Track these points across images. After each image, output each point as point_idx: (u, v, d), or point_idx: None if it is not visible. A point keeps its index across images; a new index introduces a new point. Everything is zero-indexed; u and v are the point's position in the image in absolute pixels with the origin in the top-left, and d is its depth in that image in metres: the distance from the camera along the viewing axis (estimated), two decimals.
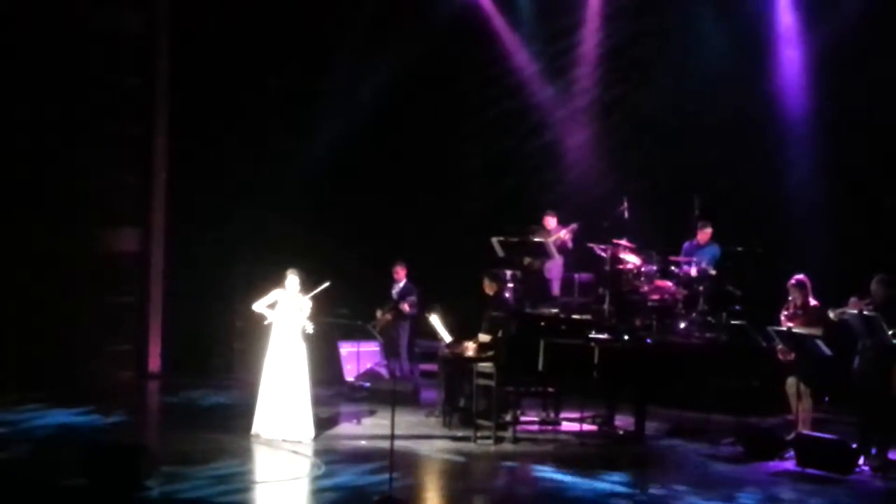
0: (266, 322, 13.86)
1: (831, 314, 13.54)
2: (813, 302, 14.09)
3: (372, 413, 15.67)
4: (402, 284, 17.07)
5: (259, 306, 13.87)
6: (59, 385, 16.61)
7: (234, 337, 19.23)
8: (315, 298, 13.85)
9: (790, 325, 13.93)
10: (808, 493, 12.01)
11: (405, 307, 16.83)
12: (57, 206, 17.81)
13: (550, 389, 15.10)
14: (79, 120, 18.02)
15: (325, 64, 19.92)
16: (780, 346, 14.02)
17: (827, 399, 14.52)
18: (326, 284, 13.85)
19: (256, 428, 13.84)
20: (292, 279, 13.84)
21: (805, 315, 14.03)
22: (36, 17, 17.62)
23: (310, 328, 13.75)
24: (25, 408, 15.43)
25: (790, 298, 14.25)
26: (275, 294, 13.86)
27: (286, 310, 13.81)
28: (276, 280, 14.01)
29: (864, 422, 13.27)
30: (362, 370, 17.83)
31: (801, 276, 14.23)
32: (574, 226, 18.48)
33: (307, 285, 13.91)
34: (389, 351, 17.26)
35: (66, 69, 17.84)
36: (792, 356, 13.91)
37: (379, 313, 17.01)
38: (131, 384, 17.99)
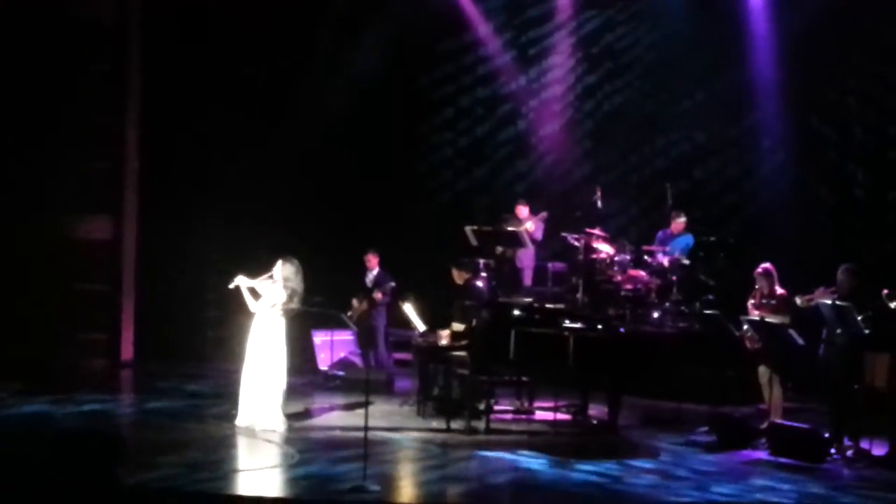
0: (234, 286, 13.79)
1: (799, 301, 13.63)
2: (779, 290, 14.15)
3: (347, 403, 15.67)
4: (374, 273, 17.04)
5: (240, 281, 13.75)
6: (30, 374, 16.51)
7: (207, 325, 19.19)
8: (287, 287, 13.73)
9: (757, 313, 13.99)
10: (780, 481, 12.06)
11: (378, 296, 16.80)
12: (28, 194, 17.75)
13: (524, 378, 15.11)
14: (50, 107, 17.93)
15: (297, 53, 19.86)
16: (747, 335, 14.08)
17: (790, 385, 14.54)
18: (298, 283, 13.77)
19: (239, 416, 13.79)
20: (278, 266, 13.71)
21: (773, 304, 14.08)
22: (6, 3, 17.52)
23: (268, 304, 13.66)
24: None
25: (757, 287, 14.31)
26: (261, 281, 13.75)
27: (268, 297, 13.73)
28: (248, 267, 13.92)
29: (835, 411, 13.34)
30: (336, 359, 17.79)
31: (767, 265, 14.29)
32: (543, 214, 18.52)
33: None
34: (365, 340, 17.22)
35: (37, 56, 17.75)
36: (758, 345, 13.97)
37: (355, 302, 16.97)
38: (104, 372, 17.89)
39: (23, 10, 17.62)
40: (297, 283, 13.75)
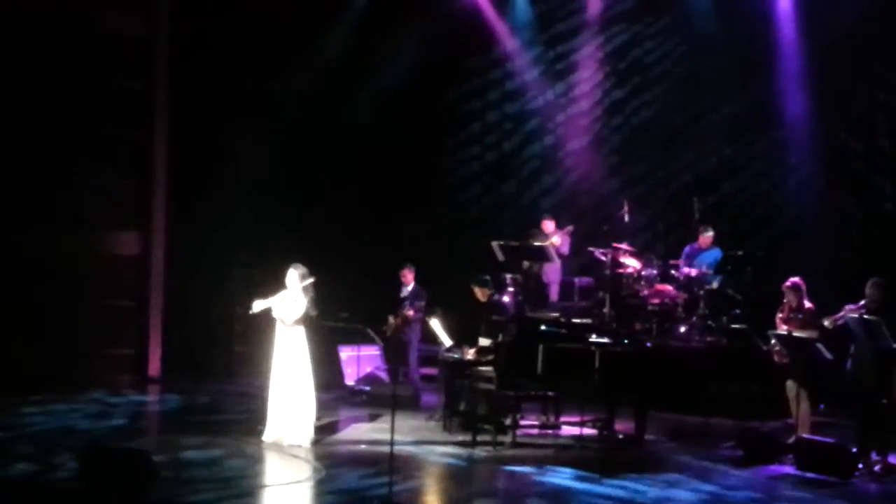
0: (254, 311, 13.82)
1: (826, 323, 13.49)
2: (808, 304, 14.07)
3: (373, 417, 15.67)
4: (409, 288, 16.97)
5: (258, 305, 13.77)
6: (59, 388, 16.59)
7: (234, 340, 19.21)
8: (309, 294, 13.72)
9: (785, 327, 13.93)
10: (807, 497, 12.02)
11: (409, 313, 16.73)
12: (57, 210, 17.84)
13: (550, 393, 15.06)
14: (79, 123, 18.05)
15: (324, 67, 19.91)
16: (775, 349, 14.01)
17: (822, 406, 14.45)
18: (310, 280, 13.71)
19: (267, 431, 13.81)
20: (291, 274, 13.75)
21: (800, 318, 14.01)
22: (36, 19, 17.63)
23: (290, 318, 13.66)
24: (25, 411, 15.42)
25: (785, 301, 14.24)
26: (279, 295, 13.77)
27: (282, 307, 13.77)
28: (276, 283, 13.94)
29: (863, 426, 13.26)
30: (362, 374, 17.78)
31: (796, 279, 14.21)
32: (569, 228, 18.52)
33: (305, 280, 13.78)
34: (396, 355, 17.13)
35: (65, 72, 17.86)
36: (786, 359, 13.90)
37: (391, 318, 16.95)
38: (132, 388, 17.95)
39: (52, 26, 17.72)
40: (311, 286, 13.75)
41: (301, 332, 13.72)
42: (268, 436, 13.70)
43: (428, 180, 20.69)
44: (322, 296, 14.00)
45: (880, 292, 13.22)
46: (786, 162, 18.72)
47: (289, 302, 13.68)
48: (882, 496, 12.35)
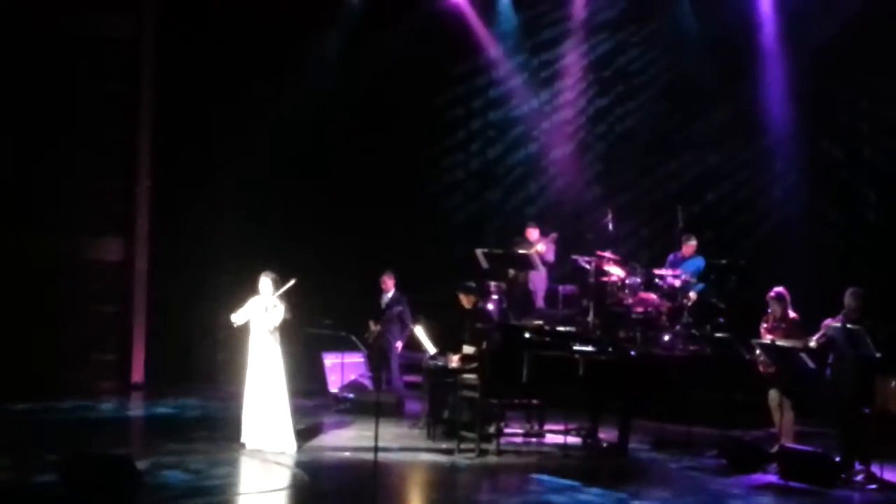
0: (237, 324, 13.77)
1: (812, 344, 13.47)
2: (792, 314, 14.07)
3: (357, 425, 15.64)
4: (390, 295, 16.98)
5: (238, 318, 13.74)
6: (42, 394, 16.55)
7: (217, 347, 19.19)
8: (286, 299, 13.71)
9: (769, 337, 13.95)
10: None
11: (398, 346, 16.73)
12: (40, 215, 17.83)
13: (534, 401, 15.06)
14: (63, 126, 18.03)
15: (310, 73, 19.90)
16: (760, 359, 14.02)
17: (796, 417, 14.44)
18: (292, 282, 13.70)
19: (244, 438, 13.77)
20: (264, 281, 13.75)
21: (783, 327, 14.03)
22: (21, 21, 17.63)
23: (272, 325, 13.65)
24: (8, 417, 15.37)
25: (769, 311, 14.24)
26: (251, 302, 13.76)
27: (260, 314, 13.76)
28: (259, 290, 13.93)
29: (845, 434, 13.28)
30: (346, 381, 17.77)
31: (780, 289, 14.21)
32: (553, 235, 18.53)
33: (280, 286, 13.73)
34: (378, 361, 17.14)
35: (50, 75, 17.85)
36: (772, 369, 13.92)
37: (372, 324, 16.96)
38: (115, 394, 17.91)
39: (37, 28, 17.71)
40: (285, 291, 13.74)
41: (277, 338, 13.71)
42: (250, 443, 13.68)
43: (412, 187, 20.67)
44: (305, 303, 13.98)
45: (859, 301, 13.25)
46: (769, 171, 18.78)
47: (268, 309, 13.66)
48: None
